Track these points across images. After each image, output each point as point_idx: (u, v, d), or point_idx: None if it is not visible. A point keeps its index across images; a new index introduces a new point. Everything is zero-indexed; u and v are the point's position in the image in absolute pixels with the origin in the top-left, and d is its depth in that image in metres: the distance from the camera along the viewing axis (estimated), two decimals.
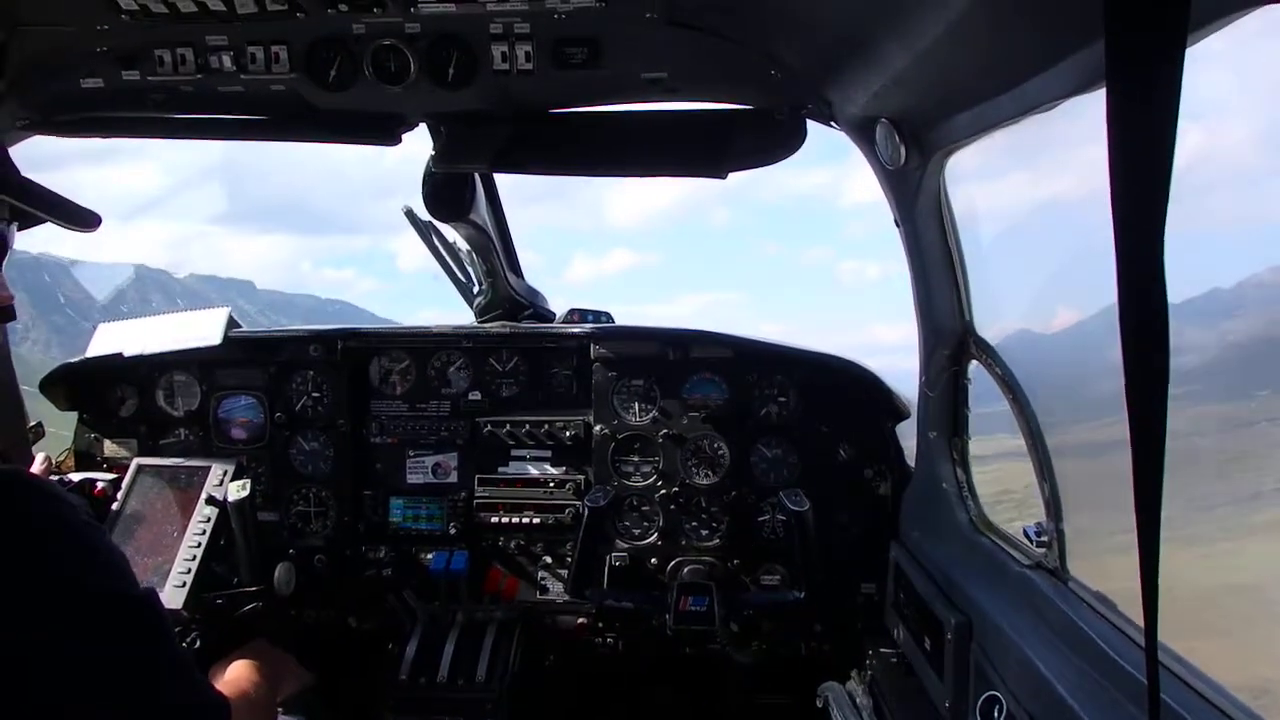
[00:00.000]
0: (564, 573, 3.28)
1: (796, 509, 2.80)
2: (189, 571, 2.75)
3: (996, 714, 2.05)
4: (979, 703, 2.12)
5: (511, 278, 3.58)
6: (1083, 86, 1.47)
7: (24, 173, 1.71)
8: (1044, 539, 2.12)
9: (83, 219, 1.84)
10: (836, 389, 3.24)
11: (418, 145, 2.64)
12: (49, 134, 2.57)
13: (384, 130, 2.50)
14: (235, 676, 2.15)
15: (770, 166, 2.46)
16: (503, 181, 3.34)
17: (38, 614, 1.35)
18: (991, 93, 1.72)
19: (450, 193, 2.89)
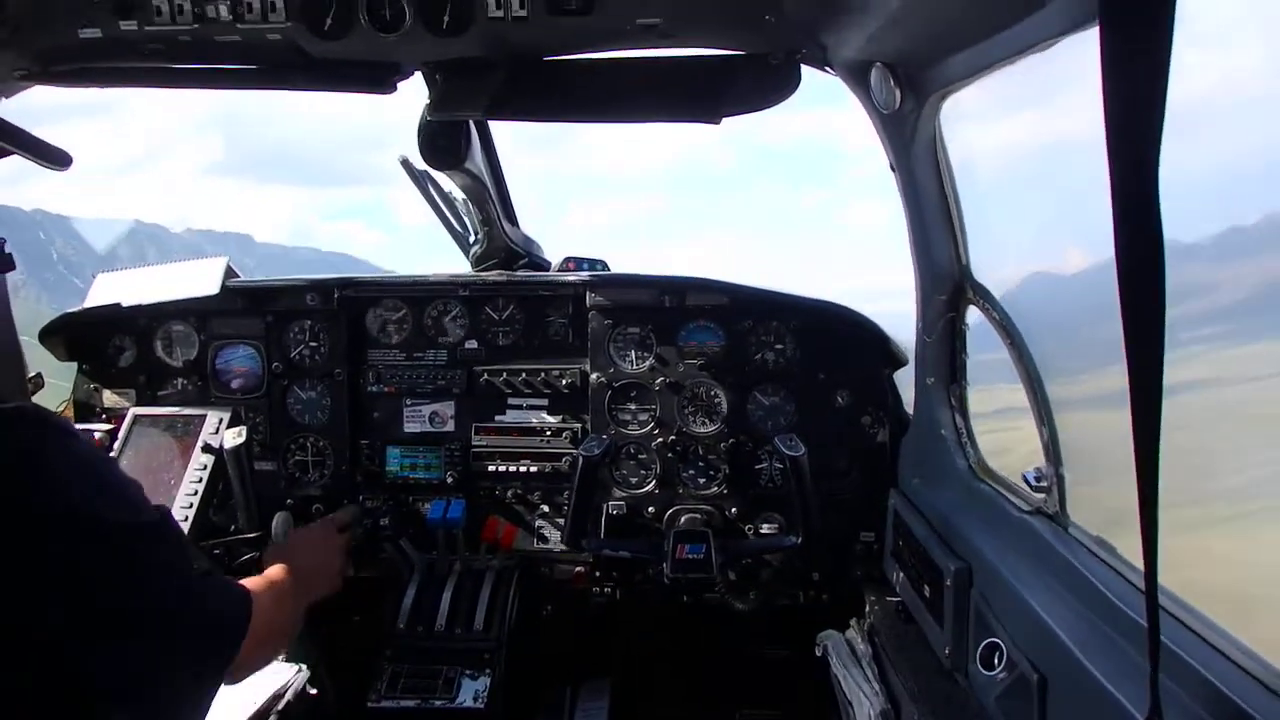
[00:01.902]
0: (561, 521, 3.28)
1: (792, 454, 2.77)
2: (186, 519, 2.77)
3: (997, 660, 2.04)
4: (979, 648, 2.11)
5: (507, 226, 3.54)
6: (1076, 25, 1.45)
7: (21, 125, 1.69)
8: (1043, 484, 2.09)
9: (54, 157, 1.83)
10: (833, 336, 3.21)
11: (415, 97, 2.61)
12: (48, 84, 2.56)
13: (380, 79, 2.48)
14: (270, 569, 2.24)
15: (765, 111, 2.42)
16: (500, 129, 3.29)
17: (55, 545, 1.37)
18: (985, 33, 1.69)
19: (445, 141, 2.88)
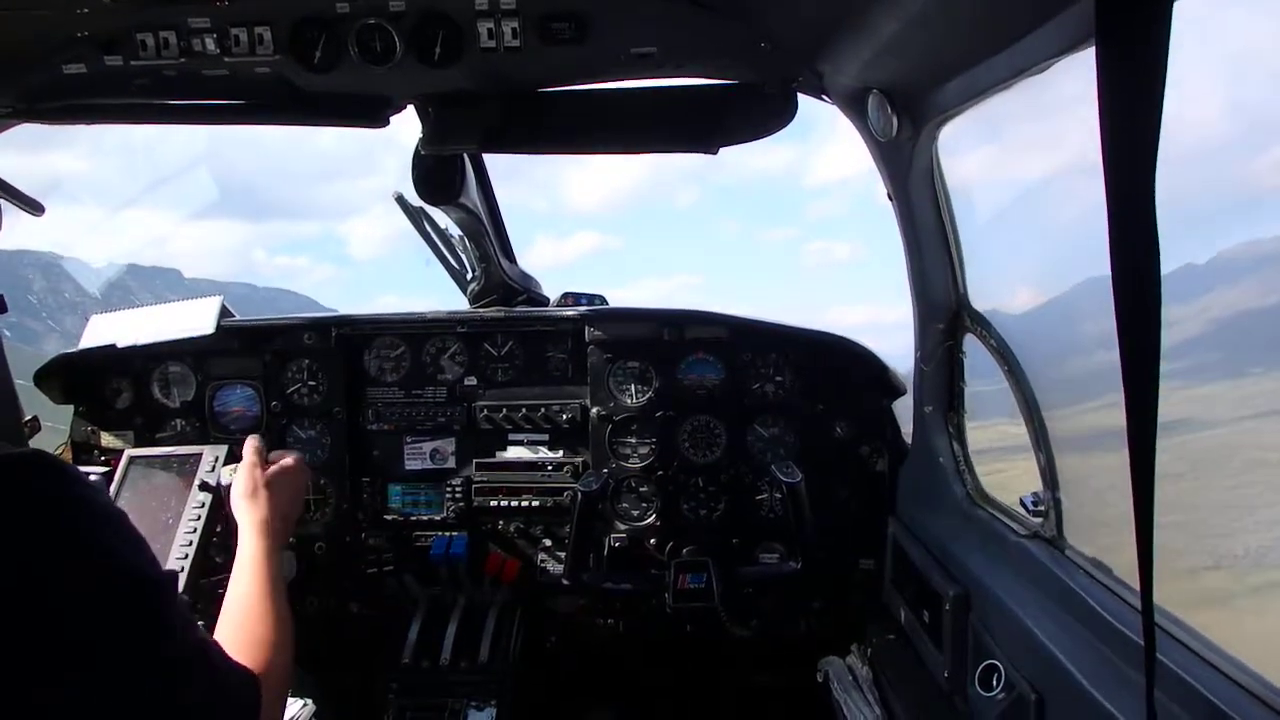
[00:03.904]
0: (564, 554, 3.28)
1: (788, 480, 2.80)
2: (186, 558, 2.74)
3: (995, 682, 2.06)
4: (977, 671, 2.14)
5: (504, 262, 3.57)
6: (1073, 45, 1.46)
7: None
8: (1041, 508, 2.13)
9: (28, 204, 1.85)
10: (832, 367, 3.24)
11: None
12: (32, 122, 2.53)
13: (371, 112, 2.47)
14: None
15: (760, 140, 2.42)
16: (485, 164, 3.31)
17: (68, 590, 1.34)
18: (982, 56, 1.71)
19: (440, 175, 2.86)
